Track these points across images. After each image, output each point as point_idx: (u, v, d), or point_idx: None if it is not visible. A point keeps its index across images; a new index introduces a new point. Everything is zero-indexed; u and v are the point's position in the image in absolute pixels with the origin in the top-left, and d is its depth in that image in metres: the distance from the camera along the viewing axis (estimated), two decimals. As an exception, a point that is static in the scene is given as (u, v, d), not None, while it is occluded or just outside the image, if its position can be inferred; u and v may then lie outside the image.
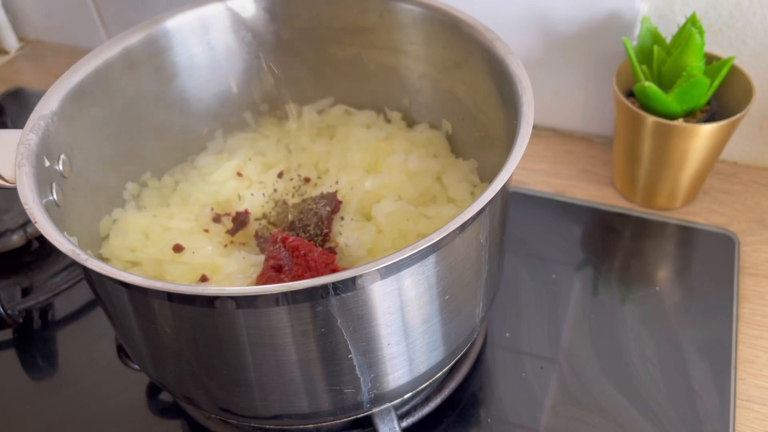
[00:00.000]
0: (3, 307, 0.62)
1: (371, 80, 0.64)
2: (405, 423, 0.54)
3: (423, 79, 0.62)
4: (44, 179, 0.45)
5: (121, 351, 0.56)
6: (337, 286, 0.38)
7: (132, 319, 0.43)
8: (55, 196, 0.46)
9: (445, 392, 0.56)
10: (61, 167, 0.48)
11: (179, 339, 0.42)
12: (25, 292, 0.67)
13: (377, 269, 0.37)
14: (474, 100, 0.57)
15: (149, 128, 0.60)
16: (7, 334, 0.64)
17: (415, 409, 0.54)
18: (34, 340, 0.64)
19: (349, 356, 0.42)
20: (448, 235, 0.38)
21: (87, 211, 0.53)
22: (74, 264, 0.69)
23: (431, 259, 0.40)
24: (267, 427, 0.51)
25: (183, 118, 0.62)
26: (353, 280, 0.38)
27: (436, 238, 0.38)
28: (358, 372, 0.43)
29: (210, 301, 0.38)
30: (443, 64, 0.59)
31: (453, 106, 0.60)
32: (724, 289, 0.63)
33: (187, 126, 0.63)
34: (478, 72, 0.54)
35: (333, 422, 0.49)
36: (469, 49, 0.54)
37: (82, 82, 0.52)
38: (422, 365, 0.46)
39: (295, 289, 0.36)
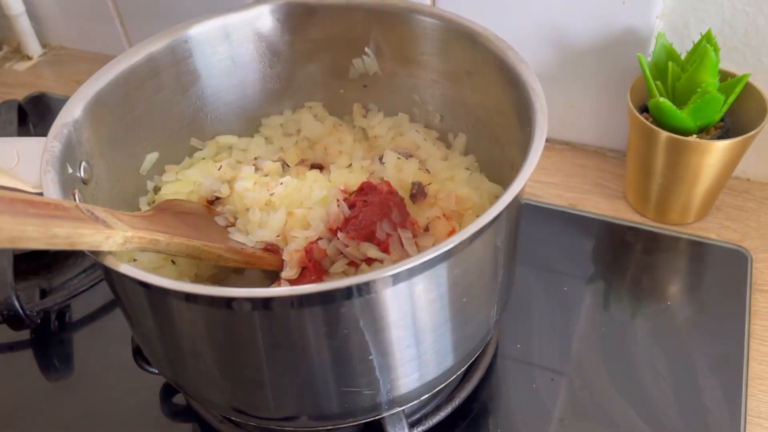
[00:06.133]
0: (21, 308, 0.63)
1: (382, 90, 0.65)
2: (415, 431, 0.54)
3: (433, 87, 0.62)
4: (68, 186, 0.46)
5: (136, 353, 0.57)
6: (361, 288, 0.38)
7: (150, 320, 0.44)
8: (77, 201, 0.47)
9: (456, 402, 0.56)
10: (82, 174, 0.49)
11: (198, 339, 0.43)
12: (44, 294, 0.68)
13: (400, 271, 0.38)
14: (485, 108, 0.58)
15: (167, 135, 0.61)
16: (24, 335, 0.65)
17: (425, 417, 0.55)
18: (51, 341, 0.65)
19: (370, 357, 0.42)
20: (470, 236, 0.39)
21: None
22: (93, 266, 0.70)
23: (452, 261, 0.41)
24: (282, 428, 0.51)
25: (199, 125, 0.64)
26: (377, 282, 0.38)
27: (457, 240, 0.38)
28: (377, 373, 0.43)
29: (227, 302, 0.39)
30: (454, 74, 0.60)
31: (463, 115, 0.61)
32: (736, 305, 0.63)
33: (203, 132, 0.64)
34: (490, 80, 0.55)
35: (344, 426, 0.50)
36: (480, 58, 0.55)
37: (104, 89, 0.53)
38: (439, 367, 0.47)
39: (313, 292, 0.37)
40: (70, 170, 0.47)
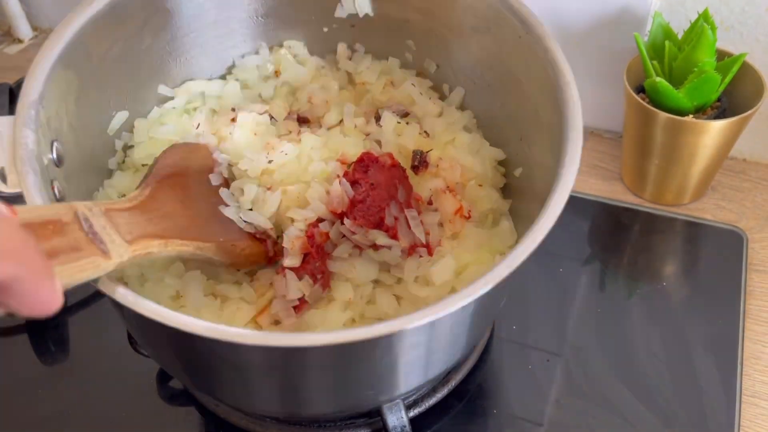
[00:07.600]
0: (16, 293, 0.62)
1: (372, 31, 0.61)
2: (412, 413, 0.54)
3: (432, 36, 0.59)
4: (46, 178, 0.43)
5: (131, 338, 0.57)
6: (381, 338, 0.37)
7: (145, 334, 0.43)
8: (57, 193, 0.45)
9: (452, 384, 0.56)
10: (55, 156, 0.46)
11: (194, 359, 0.42)
12: (38, 279, 0.67)
13: (421, 325, 0.36)
14: (486, 64, 0.56)
15: (135, 86, 0.57)
16: (19, 320, 0.65)
17: (422, 399, 0.55)
18: (46, 326, 0.65)
19: (380, 378, 0.43)
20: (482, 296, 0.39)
21: (80, 194, 0.51)
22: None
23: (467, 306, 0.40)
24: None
25: (167, 69, 0.59)
26: (398, 333, 0.37)
27: (474, 296, 0.38)
28: (384, 386, 0.44)
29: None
30: (459, 25, 0.57)
31: (461, 67, 0.59)
32: (732, 285, 0.63)
33: (171, 77, 0.59)
34: (499, 38, 0.53)
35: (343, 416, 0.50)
36: (492, 15, 0.53)
37: (65, 51, 0.48)
38: (445, 366, 0.48)
39: (328, 344, 0.35)
40: (45, 161, 0.44)
